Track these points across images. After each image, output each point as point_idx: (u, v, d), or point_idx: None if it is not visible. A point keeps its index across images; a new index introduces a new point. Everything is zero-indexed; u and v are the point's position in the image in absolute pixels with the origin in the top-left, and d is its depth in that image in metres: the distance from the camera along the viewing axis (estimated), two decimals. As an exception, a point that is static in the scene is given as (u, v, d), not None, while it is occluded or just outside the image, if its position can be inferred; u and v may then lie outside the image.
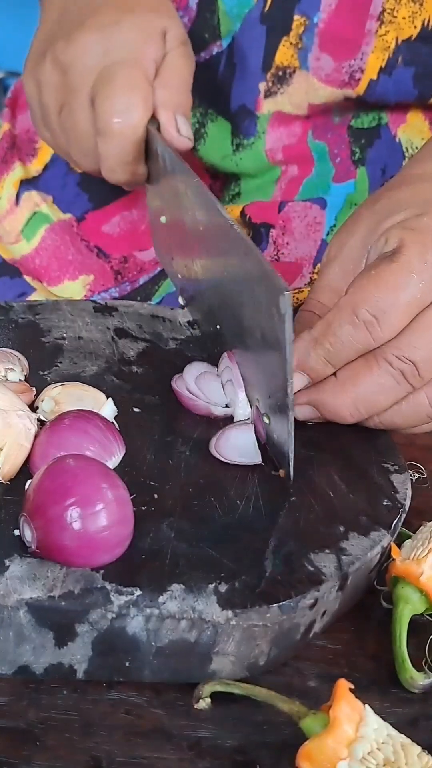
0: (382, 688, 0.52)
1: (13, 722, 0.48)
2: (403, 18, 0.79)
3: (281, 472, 0.59)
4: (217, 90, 0.86)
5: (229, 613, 0.49)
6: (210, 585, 0.50)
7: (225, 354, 0.67)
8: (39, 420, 0.59)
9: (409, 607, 0.54)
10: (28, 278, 0.94)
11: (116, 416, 0.62)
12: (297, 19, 0.80)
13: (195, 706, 0.48)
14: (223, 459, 0.60)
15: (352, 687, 0.46)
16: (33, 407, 0.61)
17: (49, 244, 0.94)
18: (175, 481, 0.58)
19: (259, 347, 0.58)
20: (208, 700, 0.48)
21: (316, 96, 0.82)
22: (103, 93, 0.72)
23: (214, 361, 0.67)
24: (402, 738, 0.45)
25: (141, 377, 0.68)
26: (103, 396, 0.62)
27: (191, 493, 0.57)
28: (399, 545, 0.56)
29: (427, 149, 0.73)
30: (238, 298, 0.61)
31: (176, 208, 0.71)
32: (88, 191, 0.94)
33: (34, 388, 0.63)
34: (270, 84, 0.83)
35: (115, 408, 0.62)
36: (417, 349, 0.59)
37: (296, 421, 0.64)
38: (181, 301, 0.77)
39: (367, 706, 0.46)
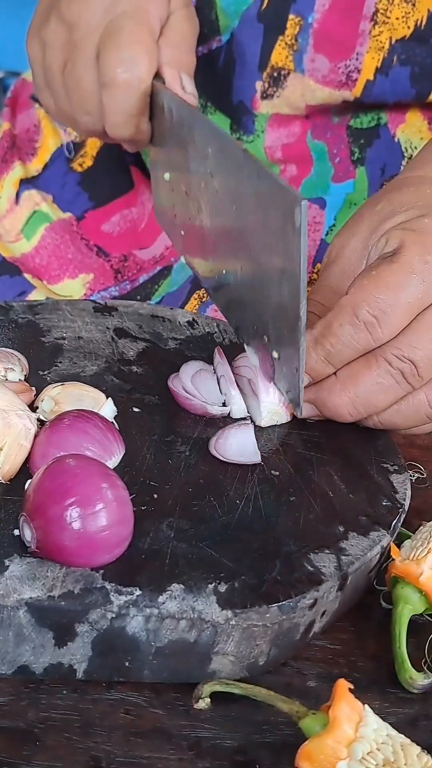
0: (381, 688, 0.52)
1: (13, 722, 0.48)
2: (396, 18, 0.79)
3: (289, 407, 0.59)
4: (217, 84, 0.86)
5: (229, 613, 0.49)
6: (210, 585, 0.50)
7: (216, 350, 0.67)
8: (39, 420, 0.59)
9: (408, 607, 0.54)
10: (28, 277, 0.94)
11: (116, 416, 0.62)
12: (292, 18, 0.80)
13: (195, 706, 0.48)
14: (222, 459, 0.60)
15: (352, 687, 0.46)
16: (33, 407, 0.61)
17: (49, 242, 0.94)
18: (175, 480, 0.58)
19: (270, 275, 0.58)
20: (208, 700, 0.48)
21: (313, 97, 0.82)
22: (108, 46, 0.73)
23: (211, 360, 0.67)
24: (402, 738, 0.45)
25: (141, 377, 0.68)
26: (102, 396, 0.62)
27: (191, 493, 0.57)
28: (398, 545, 0.56)
29: (427, 151, 0.73)
30: (249, 229, 0.60)
31: (182, 160, 0.71)
32: (87, 190, 0.94)
33: (33, 388, 0.63)
34: (266, 85, 0.83)
35: (114, 408, 0.62)
36: (417, 349, 0.59)
37: (297, 421, 0.64)
38: (183, 260, 0.76)
39: (366, 706, 0.46)
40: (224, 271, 0.67)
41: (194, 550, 0.52)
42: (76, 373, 0.67)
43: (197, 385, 0.65)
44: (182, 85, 0.75)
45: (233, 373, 0.66)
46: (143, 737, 0.48)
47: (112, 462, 0.57)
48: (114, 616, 0.48)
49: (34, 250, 0.94)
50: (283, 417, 0.64)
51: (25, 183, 0.96)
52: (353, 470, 0.61)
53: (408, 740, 0.45)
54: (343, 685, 0.46)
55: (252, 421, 0.64)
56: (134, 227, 0.94)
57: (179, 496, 0.56)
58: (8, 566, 0.49)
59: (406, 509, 0.59)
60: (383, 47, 0.80)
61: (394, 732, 0.45)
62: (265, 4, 0.81)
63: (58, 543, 0.49)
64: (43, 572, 0.49)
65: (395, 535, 0.57)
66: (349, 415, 0.61)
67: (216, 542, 0.53)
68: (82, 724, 0.48)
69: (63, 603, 0.48)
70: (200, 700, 0.48)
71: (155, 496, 0.56)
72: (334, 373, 0.61)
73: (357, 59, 0.80)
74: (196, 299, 0.86)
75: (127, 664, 0.50)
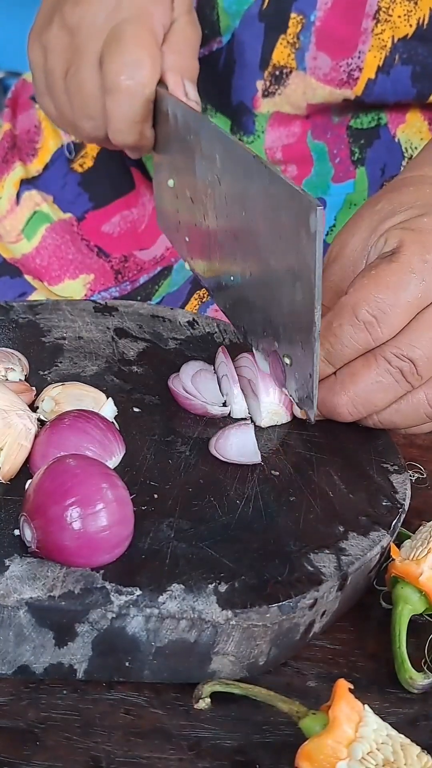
0: (381, 688, 0.52)
1: (13, 722, 0.48)
2: (399, 17, 0.79)
3: (302, 413, 0.58)
4: (217, 86, 0.86)
5: (229, 613, 0.49)
6: (210, 585, 0.50)
7: (220, 349, 0.67)
8: (39, 420, 0.59)
9: (408, 607, 0.54)
10: (28, 277, 0.94)
11: (116, 416, 0.62)
12: (294, 17, 0.80)
13: (195, 706, 0.48)
14: (222, 459, 0.60)
15: (352, 687, 0.46)
16: (33, 407, 0.61)
17: (49, 243, 0.94)
18: (175, 480, 0.58)
19: (282, 280, 0.58)
20: (208, 700, 0.48)
21: (314, 96, 0.82)
22: (111, 51, 0.73)
23: (212, 360, 0.67)
24: (401, 738, 0.45)
25: (141, 377, 0.68)
26: (103, 396, 0.62)
27: (191, 493, 0.57)
28: (398, 545, 0.56)
29: (427, 151, 0.73)
30: (260, 234, 0.60)
31: (187, 167, 0.70)
32: (88, 191, 0.94)
33: (34, 388, 0.63)
34: (267, 83, 0.83)
35: (115, 408, 0.62)
36: (416, 348, 0.59)
37: (296, 422, 0.64)
38: (187, 267, 0.76)
39: (366, 706, 0.46)
40: (231, 277, 0.67)
41: (194, 550, 0.52)
42: (76, 373, 0.67)
43: (197, 385, 0.65)
44: (185, 92, 0.75)
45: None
46: (143, 737, 0.48)
47: (112, 462, 0.57)
48: (114, 616, 0.48)
49: (35, 251, 0.94)
50: (283, 417, 0.64)
51: (26, 183, 0.96)
52: (353, 470, 0.61)
53: (408, 740, 0.45)
54: (343, 685, 0.46)
55: (252, 421, 0.64)
56: (135, 228, 0.94)
57: (179, 496, 0.56)
58: (8, 566, 0.50)
59: (406, 509, 0.59)
60: (385, 46, 0.80)
61: (394, 732, 0.45)
62: (266, 4, 0.81)
63: (58, 543, 0.49)
64: (43, 572, 0.49)
65: (395, 535, 0.57)
66: (348, 414, 0.61)
67: (216, 542, 0.53)
68: (82, 724, 0.48)
69: (63, 603, 0.48)
70: (200, 700, 0.48)
71: (155, 496, 0.56)
72: (334, 373, 0.61)
73: (359, 58, 0.80)
74: (196, 299, 0.86)
75: (127, 664, 0.50)
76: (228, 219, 0.65)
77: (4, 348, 0.66)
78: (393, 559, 0.55)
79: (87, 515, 0.49)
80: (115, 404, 0.62)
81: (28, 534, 0.50)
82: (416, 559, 0.54)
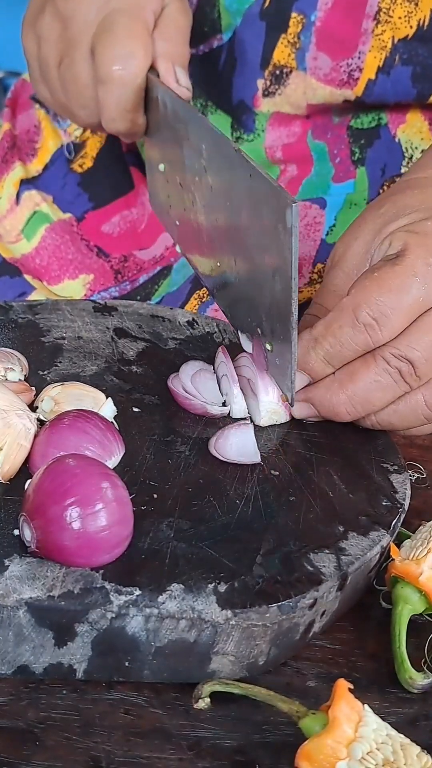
0: (381, 688, 0.52)
1: (13, 722, 0.48)
2: (399, 17, 0.79)
3: (283, 398, 0.60)
4: (217, 83, 0.86)
5: (229, 612, 0.49)
6: (209, 585, 0.50)
7: (220, 349, 0.67)
8: (39, 420, 0.59)
9: (408, 607, 0.54)
10: (28, 277, 0.94)
11: (116, 416, 0.62)
12: (294, 16, 0.80)
13: (194, 706, 0.48)
14: (222, 458, 0.60)
15: (352, 687, 0.46)
16: (33, 407, 0.61)
17: (49, 243, 0.94)
18: (175, 480, 0.58)
19: (263, 271, 0.59)
20: (208, 699, 0.48)
21: (314, 96, 0.82)
22: (103, 42, 0.73)
23: (212, 360, 0.67)
24: (401, 738, 0.45)
25: (140, 377, 0.68)
26: (102, 396, 0.62)
27: (191, 493, 0.57)
28: (398, 545, 0.56)
29: (430, 154, 0.73)
30: (243, 225, 0.61)
31: (176, 154, 0.71)
32: (87, 191, 0.94)
33: (33, 388, 0.63)
34: (268, 83, 0.83)
35: (114, 408, 0.62)
36: (415, 349, 0.59)
37: (296, 421, 0.64)
38: (178, 249, 0.77)
39: (366, 706, 0.46)
40: (218, 263, 0.68)
41: (194, 550, 0.52)
42: (75, 373, 0.67)
43: (197, 385, 0.65)
44: (176, 78, 0.75)
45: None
46: (143, 737, 0.48)
47: (112, 462, 0.57)
48: (114, 616, 0.48)
49: (35, 251, 0.94)
50: (282, 417, 0.64)
51: (26, 183, 0.96)
52: (353, 470, 0.61)
53: (408, 740, 0.45)
54: (342, 685, 0.46)
55: (252, 420, 0.64)
56: (134, 228, 0.94)
57: (179, 496, 0.56)
58: (8, 566, 0.50)
59: (406, 509, 0.59)
60: (385, 46, 0.80)
61: (393, 732, 0.45)
62: (267, 3, 0.81)
63: (58, 543, 0.49)
64: (43, 572, 0.49)
65: (395, 535, 0.57)
66: (346, 414, 0.61)
67: (216, 542, 0.53)
68: (81, 724, 0.48)
69: (63, 603, 0.48)
70: (200, 700, 0.48)
71: (155, 496, 0.56)
72: (333, 373, 0.61)
73: (359, 58, 0.80)
74: (196, 299, 0.86)
75: (127, 664, 0.50)
76: (214, 209, 0.66)
77: (3, 348, 0.66)
78: (393, 559, 0.55)
79: (86, 515, 0.49)
80: (115, 404, 0.62)
81: (28, 534, 0.50)
82: (416, 559, 0.54)
